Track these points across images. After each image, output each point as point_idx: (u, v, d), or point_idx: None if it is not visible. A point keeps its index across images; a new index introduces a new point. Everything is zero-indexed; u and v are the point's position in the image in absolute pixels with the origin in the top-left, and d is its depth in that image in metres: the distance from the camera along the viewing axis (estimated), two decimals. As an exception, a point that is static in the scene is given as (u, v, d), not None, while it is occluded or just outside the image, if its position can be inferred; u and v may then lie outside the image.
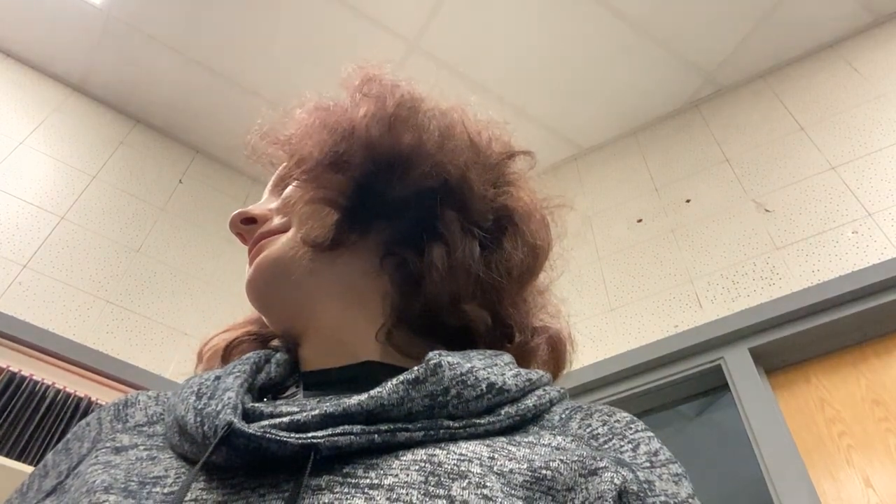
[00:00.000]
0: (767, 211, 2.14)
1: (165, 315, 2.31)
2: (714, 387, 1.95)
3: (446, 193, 0.59)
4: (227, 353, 0.64)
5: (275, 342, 0.65)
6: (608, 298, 2.24)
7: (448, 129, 0.61)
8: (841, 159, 2.12)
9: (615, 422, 0.51)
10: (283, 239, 0.61)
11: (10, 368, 1.88)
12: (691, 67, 2.56)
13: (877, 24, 2.42)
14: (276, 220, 0.63)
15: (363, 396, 0.44)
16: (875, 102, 2.20)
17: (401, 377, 0.45)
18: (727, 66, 2.55)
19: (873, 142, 2.10)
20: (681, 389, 1.98)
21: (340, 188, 0.59)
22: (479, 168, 0.61)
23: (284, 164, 0.66)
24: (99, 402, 1.94)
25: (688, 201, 2.36)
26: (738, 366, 1.84)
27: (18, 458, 1.73)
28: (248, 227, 0.64)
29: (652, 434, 0.51)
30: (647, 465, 0.47)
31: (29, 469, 1.70)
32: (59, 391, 1.90)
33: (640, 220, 2.41)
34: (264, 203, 0.67)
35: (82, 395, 1.93)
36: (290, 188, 0.64)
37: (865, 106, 2.21)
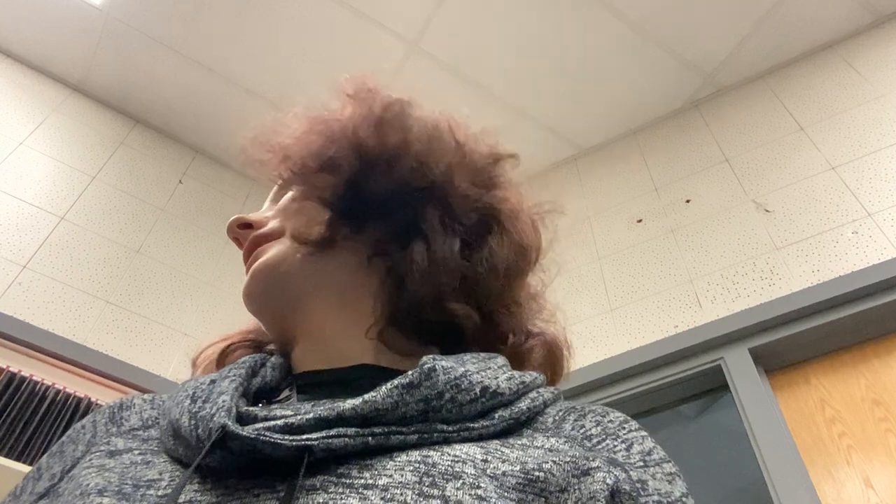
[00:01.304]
0: (767, 211, 2.14)
1: (165, 315, 2.31)
2: (714, 387, 1.95)
3: (431, 193, 0.60)
4: (222, 358, 0.65)
5: (270, 346, 0.65)
6: (608, 299, 2.24)
7: (434, 131, 0.63)
8: (841, 159, 2.12)
9: (608, 422, 0.51)
10: (277, 243, 0.62)
11: (10, 368, 1.88)
12: (691, 67, 2.56)
13: (877, 24, 2.41)
14: (272, 224, 0.64)
15: (357, 401, 0.44)
16: (875, 102, 2.20)
17: (395, 382, 0.45)
18: (727, 66, 2.55)
19: (873, 142, 2.10)
20: (681, 390, 1.98)
21: (330, 187, 0.60)
22: (464, 170, 0.62)
23: (273, 170, 0.66)
24: (99, 402, 1.94)
25: (688, 201, 2.36)
26: (738, 366, 1.84)
27: (18, 459, 1.74)
28: (244, 231, 0.65)
29: (646, 433, 0.51)
30: (641, 464, 0.47)
31: (28, 469, 1.70)
32: (59, 391, 1.90)
33: (640, 220, 2.41)
34: (263, 211, 0.68)
35: (82, 396, 1.93)
36: (286, 196, 0.66)
37: (865, 106, 2.21)
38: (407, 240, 0.58)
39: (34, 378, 1.89)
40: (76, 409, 1.90)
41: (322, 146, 0.60)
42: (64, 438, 0.56)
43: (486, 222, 0.61)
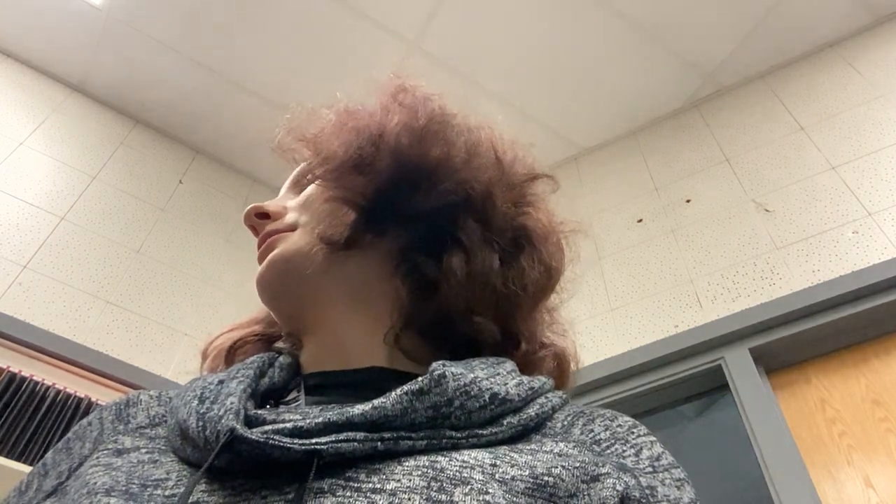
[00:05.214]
0: (767, 211, 2.14)
1: (165, 315, 2.31)
2: (714, 387, 1.95)
3: (469, 206, 0.60)
4: (231, 354, 0.65)
5: (279, 343, 0.65)
6: (608, 298, 2.24)
7: (475, 146, 0.62)
8: (841, 159, 2.12)
9: (617, 426, 0.51)
10: (296, 236, 0.61)
11: (10, 369, 1.88)
12: (691, 67, 2.56)
13: (877, 24, 2.42)
14: (290, 217, 0.63)
15: (367, 406, 0.44)
16: (875, 102, 2.20)
17: (405, 388, 0.45)
18: (727, 66, 2.55)
19: (873, 142, 2.10)
20: (681, 389, 1.98)
21: (361, 189, 0.59)
22: (503, 187, 0.62)
23: (306, 161, 0.66)
24: (99, 402, 1.94)
25: (688, 201, 2.36)
26: (738, 366, 1.84)
27: (18, 459, 1.73)
28: (261, 221, 0.65)
29: (654, 438, 0.51)
30: (650, 470, 0.47)
31: (29, 470, 1.70)
32: (59, 391, 1.90)
33: (640, 220, 2.41)
34: (281, 199, 0.67)
35: (82, 396, 1.93)
36: (310, 187, 0.65)
37: (865, 106, 2.21)
38: (438, 249, 0.58)
39: (34, 378, 1.89)
40: (76, 409, 1.90)
41: (360, 147, 0.59)
42: (70, 435, 0.56)
43: (520, 242, 0.62)
